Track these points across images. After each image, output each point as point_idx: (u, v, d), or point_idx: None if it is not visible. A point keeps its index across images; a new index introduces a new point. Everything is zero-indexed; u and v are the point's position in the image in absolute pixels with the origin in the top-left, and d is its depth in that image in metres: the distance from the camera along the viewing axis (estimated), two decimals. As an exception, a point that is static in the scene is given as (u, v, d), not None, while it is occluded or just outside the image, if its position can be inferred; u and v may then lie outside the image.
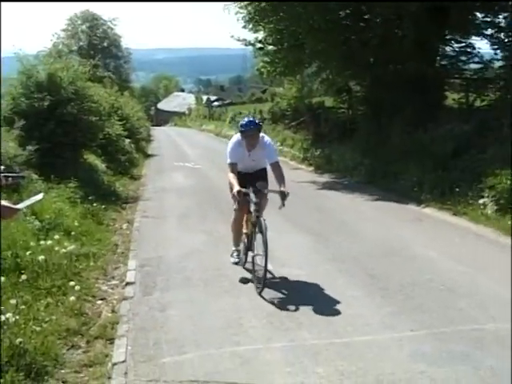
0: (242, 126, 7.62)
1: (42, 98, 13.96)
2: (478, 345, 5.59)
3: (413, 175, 14.52)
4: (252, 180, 7.76)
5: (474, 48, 20.54)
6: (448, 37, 20.53)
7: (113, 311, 6.94)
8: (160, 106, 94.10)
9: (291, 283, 7.67)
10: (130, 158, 23.02)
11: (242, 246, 8.38)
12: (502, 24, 19.53)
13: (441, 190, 13.15)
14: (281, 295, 7.18)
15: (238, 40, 22.99)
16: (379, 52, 18.86)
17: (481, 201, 11.78)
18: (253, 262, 7.62)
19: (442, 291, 7.18)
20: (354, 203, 13.78)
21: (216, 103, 70.84)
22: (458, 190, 12.69)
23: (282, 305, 6.79)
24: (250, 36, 23.09)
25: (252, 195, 7.46)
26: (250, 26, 21.90)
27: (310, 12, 18.40)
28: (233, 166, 7.67)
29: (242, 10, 21.31)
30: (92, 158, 17.44)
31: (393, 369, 5.13)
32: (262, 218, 7.31)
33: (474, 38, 20.42)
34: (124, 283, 7.96)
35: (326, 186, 16.88)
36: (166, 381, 5.05)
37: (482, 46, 20.91)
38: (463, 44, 20.63)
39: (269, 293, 7.15)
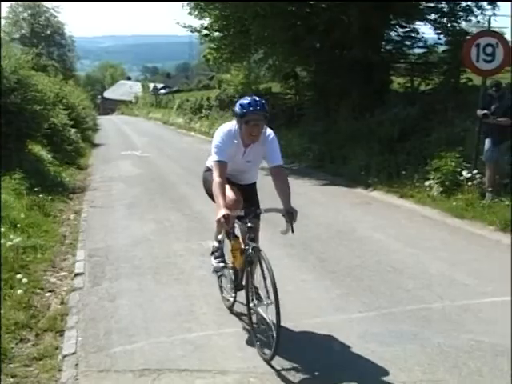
0: (243, 106, 5.25)
1: (-17, 88, 13.63)
2: (425, 323, 5.72)
3: (360, 159, 14.69)
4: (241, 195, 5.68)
5: (418, 33, 20.95)
6: (393, 22, 20.79)
7: (62, 303, 6.84)
8: (106, 94, 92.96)
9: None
10: (76, 147, 22.63)
11: (228, 284, 6.21)
12: (445, 9, 19.90)
13: (387, 174, 13.37)
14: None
15: (184, 27, 22.90)
16: (325, 37, 18.98)
17: (427, 183, 12.00)
18: (249, 312, 5.45)
19: (390, 272, 7.31)
20: (303, 188, 13.84)
21: (163, 91, 70.39)
22: (404, 172, 12.95)
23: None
24: (196, 22, 23.04)
25: (243, 218, 5.41)
26: (196, 12, 21.83)
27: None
28: (222, 167, 5.29)
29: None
30: (37, 149, 17.08)
31: (343, 350, 5.22)
32: (262, 252, 5.16)
33: (418, 23, 20.82)
34: (73, 274, 7.87)
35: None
36: (118, 370, 5.03)
37: (426, 30, 21.36)
38: (407, 29, 20.98)
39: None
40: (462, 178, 11.35)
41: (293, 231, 5.19)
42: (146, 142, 28.18)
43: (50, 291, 7.29)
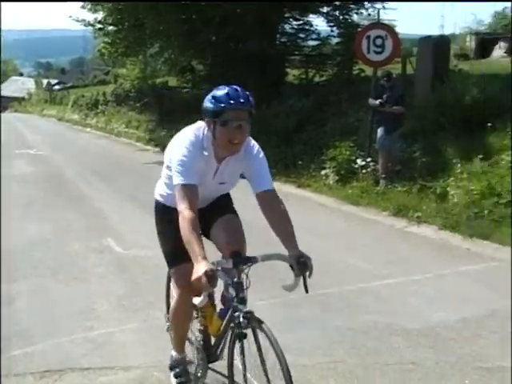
0: (218, 99, 3.43)
1: None
2: (324, 308, 5.90)
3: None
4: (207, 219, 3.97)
5: (312, 25, 21.40)
6: (287, 15, 21.12)
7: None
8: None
9: (138, 262, 7.68)
10: None
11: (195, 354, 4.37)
12: (337, 2, 20.39)
13: (284, 164, 13.59)
14: (134, 280, 7.16)
15: (77, 21, 22.37)
16: (220, 30, 19.06)
17: (323, 172, 12.31)
18: None
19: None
20: None
21: (57, 87, 68.52)
22: (300, 163, 13.21)
23: (133, 290, 6.76)
24: (90, 16, 22.59)
25: (230, 271, 3.45)
26: (89, 6, 21.44)
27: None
28: (192, 193, 3.48)
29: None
30: None
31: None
32: (264, 325, 3.45)
33: (311, 15, 21.26)
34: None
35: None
36: (17, 374, 4.88)
37: (319, 23, 21.93)
38: (301, 22, 21.37)
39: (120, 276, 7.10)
40: (356, 166, 11.73)
41: (307, 290, 3.52)
42: (40, 140, 27.29)
43: None
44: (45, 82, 68.39)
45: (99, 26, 22.36)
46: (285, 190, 12.26)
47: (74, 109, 41.60)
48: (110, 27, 22.53)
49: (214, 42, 20.49)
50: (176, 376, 4.33)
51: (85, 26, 22.58)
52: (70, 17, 22.19)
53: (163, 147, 20.57)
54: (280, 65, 20.17)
